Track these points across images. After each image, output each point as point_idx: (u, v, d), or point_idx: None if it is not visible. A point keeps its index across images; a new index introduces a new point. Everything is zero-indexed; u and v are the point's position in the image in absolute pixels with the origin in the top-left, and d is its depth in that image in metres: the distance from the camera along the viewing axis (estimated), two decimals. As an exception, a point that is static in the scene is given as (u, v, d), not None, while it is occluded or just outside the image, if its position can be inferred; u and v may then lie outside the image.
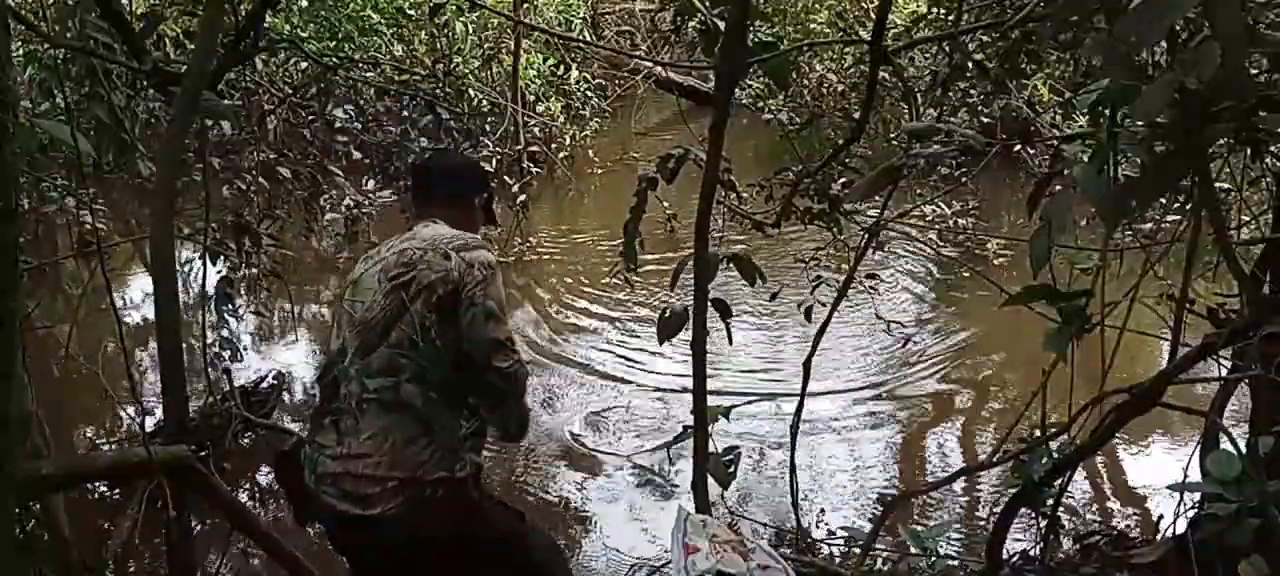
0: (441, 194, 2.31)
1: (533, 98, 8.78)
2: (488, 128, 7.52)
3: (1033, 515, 3.04)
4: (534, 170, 8.23)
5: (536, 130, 8.40)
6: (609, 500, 4.03)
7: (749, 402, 4.45)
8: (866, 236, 3.31)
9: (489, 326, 2.06)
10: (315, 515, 2.22)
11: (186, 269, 5.87)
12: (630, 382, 5.05)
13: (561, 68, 9.30)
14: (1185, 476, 2.72)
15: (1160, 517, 3.43)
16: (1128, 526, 3.68)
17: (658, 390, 4.92)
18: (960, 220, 6.82)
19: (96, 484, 3.86)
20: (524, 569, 2.29)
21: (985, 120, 6.28)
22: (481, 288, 2.06)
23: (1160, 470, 4.00)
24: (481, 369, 2.07)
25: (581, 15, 10.48)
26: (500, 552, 2.22)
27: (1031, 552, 3.10)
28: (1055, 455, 2.65)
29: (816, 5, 9.18)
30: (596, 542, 3.72)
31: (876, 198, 3.17)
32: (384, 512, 2.03)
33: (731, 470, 3.03)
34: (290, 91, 6.39)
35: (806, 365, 3.35)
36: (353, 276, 2.23)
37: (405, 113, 6.27)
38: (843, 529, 3.74)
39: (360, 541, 2.14)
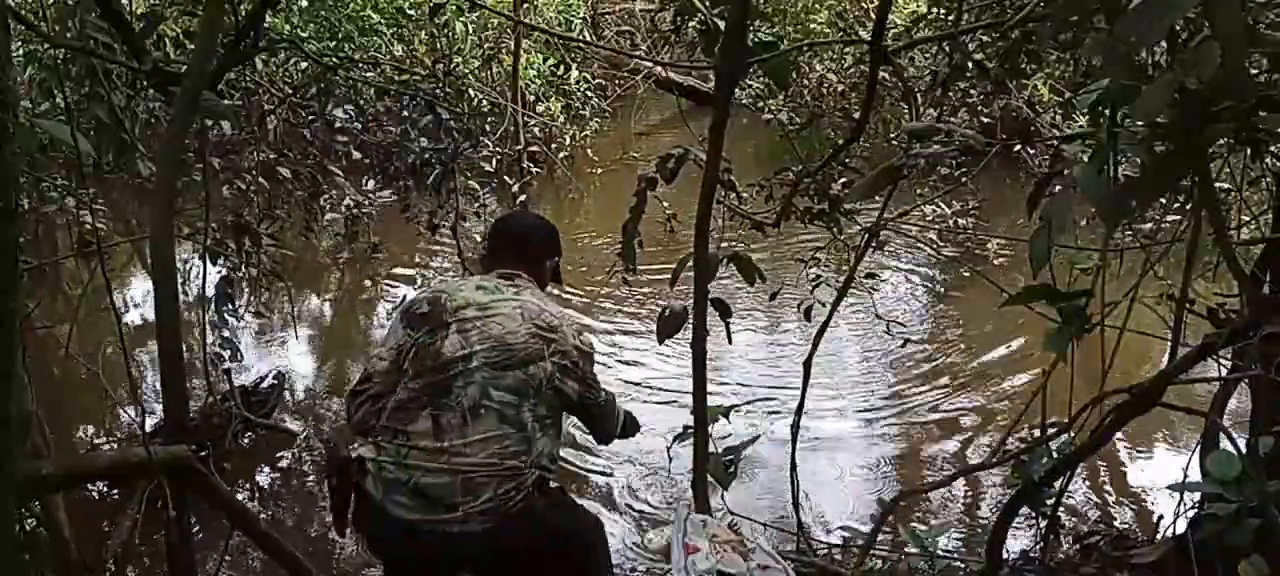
0: (521, 253, 2.51)
1: (533, 98, 8.78)
2: (488, 128, 7.51)
3: (1033, 515, 3.04)
4: (534, 170, 8.23)
5: (536, 130, 8.40)
6: (607, 503, 4.03)
7: (749, 403, 4.45)
8: (866, 236, 3.31)
9: (597, 402, 2.46)
10: (375, 526, 2.24)
11: (186, 269, 5.87)
12: (634, 385, 5.05)
13: (561, 68, 9.30)
14: (1185, 476, 2.72)
15: (1160, 517, 3.43)
16: (1128, 526, 3.68)
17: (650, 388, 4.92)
18: (960, 220, 6.82)
19: (96, 484, 3.86)
20: (582, 565, 2.40)
21: (985, 120, 6.27)
22: (589, 366, 2.40)
23: (1160, 470, 4.00)
24: (590, 415, 2.50)
25: (581, 15, 10.47)
26: (560, 550, 2.33)
27: (1031, 552, 3.10)
28: (1055, 455, 2.66)
29: (816, 5, 9.18)
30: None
31: (876, 197, 3.17)
32: (467, 517, 2.13)
33: (731, 470, 3.04)
34: (290, 91, 6.38)
35: (807, 365, 3.35)
36: (469, 297, 2.33)
37: (405, 113, 6.26)
38: (843, 529, 3.74)
39: (430, 553, 2.19)
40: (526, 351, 2.26)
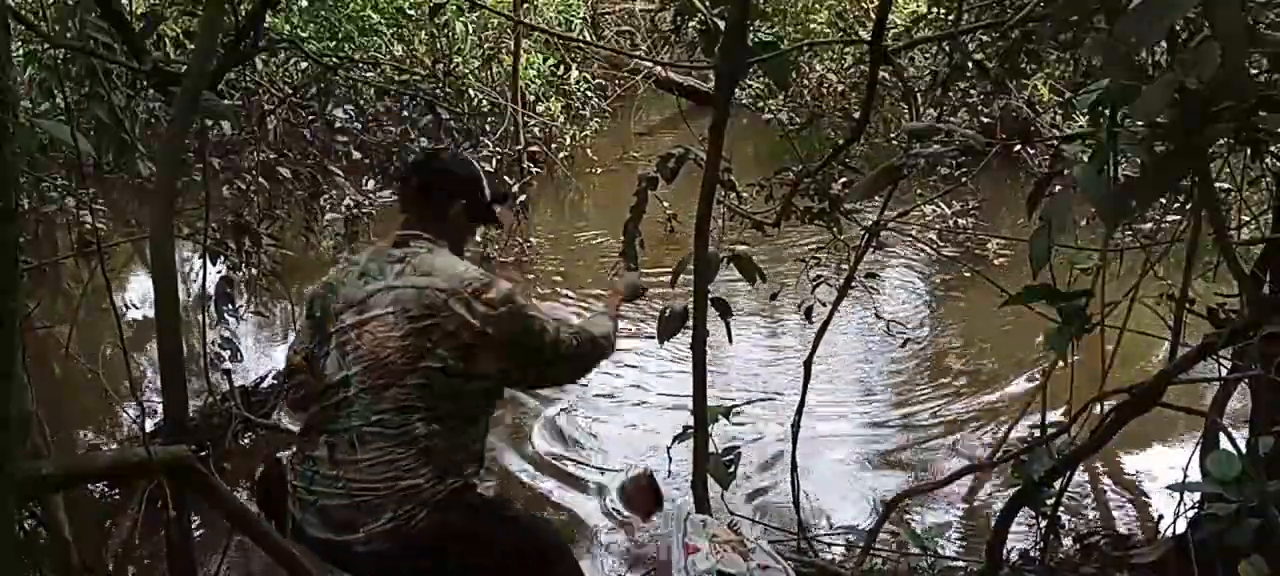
0: (422, 206, 2.25)
1: (533, 98, 8.79)
2: (488, 128, 7.52)
3: (1033, 515, 3.04)
4: (534, 170, 8.24)
5: (536, 130, 8.41)
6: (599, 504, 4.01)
7: (749, 403, 4.45)
8: (866, 236, 3.31)
9: (539, 353, 2.15)
10: (301, 542, 2.19)
11: (186, 269, 5.87)
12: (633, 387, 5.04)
13: (561, 68, 9.31)
14: (1185, 476, 2.72)
15: (1160, 517, 3.43)
16: (1128, 526, 3.67)
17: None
18: (960, 220, 6.82)
19: (96, 484, 3.86)
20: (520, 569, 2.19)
21: (985, 120, 6.28)
22: (509, 321, 2.08)
23: (1160, 470, 3.99)
24: (538, 380, 2.23)
25: (581, 15, 10.48)
26: (485, 563, 2.14)
27: (1031, 552, 3.10)
28: (1055, 455, 2.66)
29: (816, 5, 9.19)
30: (591, 550, 3.71)
31: (876, 197, 3.17)
32: (370, 538, 2.01)
33: (731, 470, 3.03)
34: (290, 91, 6.39)
35: (807, 365, 3.35)
36: (350, 294, 2.13)
37: (405, 113, 6.27)
38: (843, 529, 3.73)
39: (350, 568, 2.13)
40: (404, 357, 2.02)
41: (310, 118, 5.94)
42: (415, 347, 2.02)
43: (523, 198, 7.09)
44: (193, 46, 3.42)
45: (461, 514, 2.07)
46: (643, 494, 2.58)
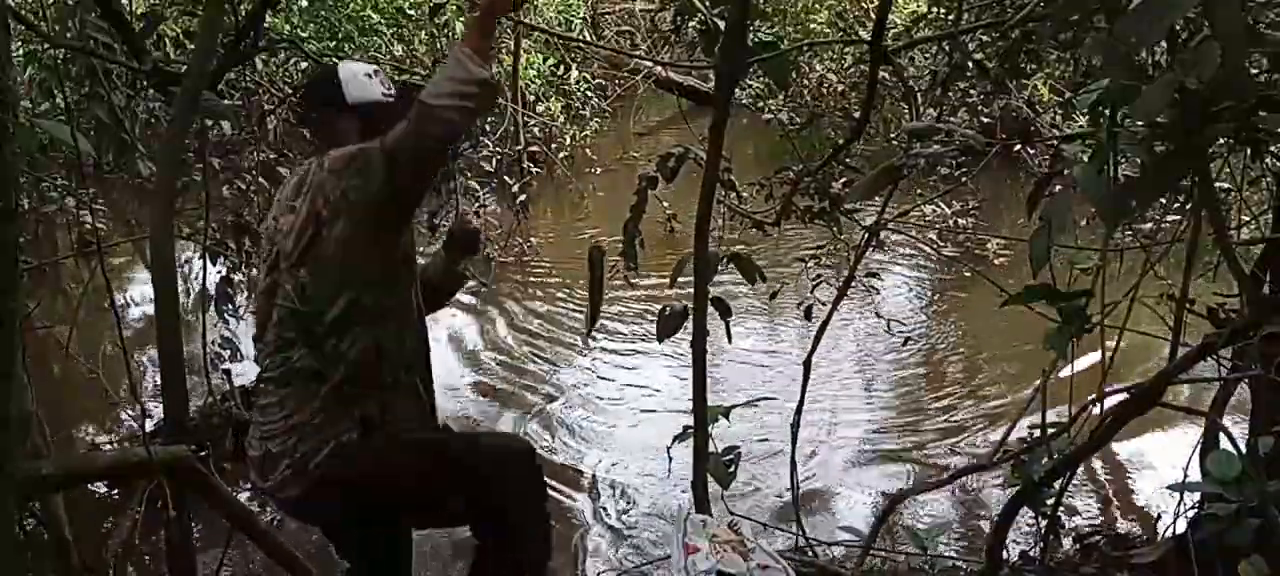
0: (310, 126, 2.24)
1: (533, 98, 8.79)
2: (488, 127, 7.51)
3: (1033, 515, 3.04)
4: (534, 170, 8.24)
5: (536, 130, 8.40)
6: (592, 508, 4.01)
7: (749, 403, 4.45)
8: (866, 236, 3.31)
9: (387, 166, 1.89)
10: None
11: (186, 269, 5.86)
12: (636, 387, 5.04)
13: (561, 68, 9.31)
14: (1185, 476, 2.72)
15: (1160, 517, 3.43)
16: (1128, 526, 3.68)
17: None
18: (960, 220, 6.82)
19: (96, 484, 3.86)
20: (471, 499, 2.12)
21: (985, 120, 6.28)
22: (352, 176, 1.90)
23: (1160, 470, 3.99)
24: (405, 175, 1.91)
25: (581, 15, 10.48)
26: (409, 497, 2.12)
27: (1031, 552, 3.10)
28: (1055, 455, 2.66)
29: (816, 5, 9.19)
30: (591, 550, 3.71)
31: (876, 197, 3.17)
32: (276, 485, 2.04)
33: (732, 470, 3.03)
34: (290, 91, 6.39)
35: (807, 364, 3.34)
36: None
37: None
38: (843, 529, 3.74)
39: (276, 506, 2.27)
40: (269, 299, 2.06)
41: (310, 117, 5.93)
42: (270, 286, 2.06)
43: (523, 198, 7.09)
44: (193, 46, 3.42)
45: (368, 459, 2.03)
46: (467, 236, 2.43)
